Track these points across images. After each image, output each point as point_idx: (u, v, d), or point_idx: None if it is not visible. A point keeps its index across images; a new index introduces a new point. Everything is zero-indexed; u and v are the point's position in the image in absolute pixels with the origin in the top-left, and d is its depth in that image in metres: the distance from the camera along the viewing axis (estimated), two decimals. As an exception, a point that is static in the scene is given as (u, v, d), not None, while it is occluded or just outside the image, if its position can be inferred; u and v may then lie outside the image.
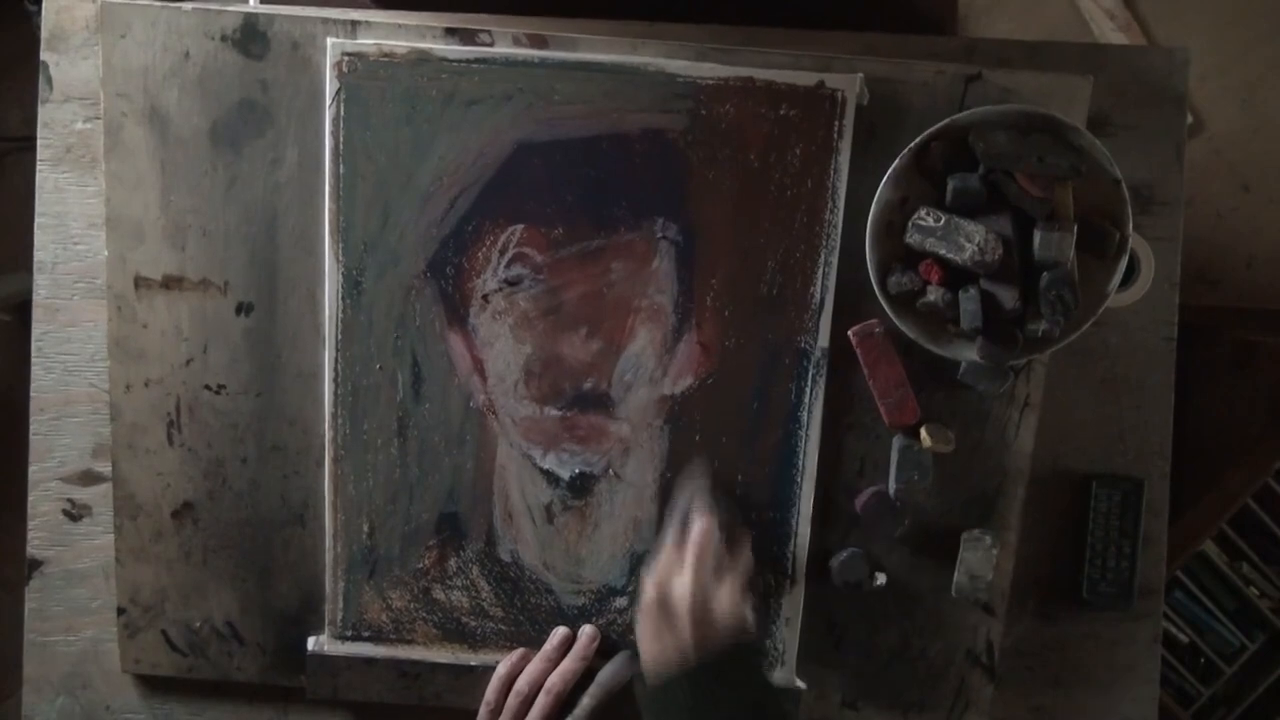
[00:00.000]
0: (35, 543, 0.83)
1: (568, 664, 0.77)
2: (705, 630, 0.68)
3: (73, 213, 0.81)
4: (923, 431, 0.76)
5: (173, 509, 0.80)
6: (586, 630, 0.79)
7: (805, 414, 0.77)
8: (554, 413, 0.78)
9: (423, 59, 0.74)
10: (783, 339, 0.76)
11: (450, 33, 0.76)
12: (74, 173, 0.80)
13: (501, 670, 0.78)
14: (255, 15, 0.76)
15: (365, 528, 0.79)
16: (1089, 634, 0.82)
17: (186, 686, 0.84)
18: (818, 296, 0.76)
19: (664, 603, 0.69)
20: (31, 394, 0.82)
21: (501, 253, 0.76)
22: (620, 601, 0.80)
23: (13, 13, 1.76)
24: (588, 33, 0.76)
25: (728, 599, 0.70)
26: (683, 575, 0.70)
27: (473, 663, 0.80)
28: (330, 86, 0.74)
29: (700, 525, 0.72)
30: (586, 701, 0.76)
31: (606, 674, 0.78)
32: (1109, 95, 0.77)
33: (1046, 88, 0.74)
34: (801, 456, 0.77)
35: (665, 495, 0.79)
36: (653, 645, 0.70)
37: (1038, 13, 1.71)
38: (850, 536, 0.79)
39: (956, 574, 0.78)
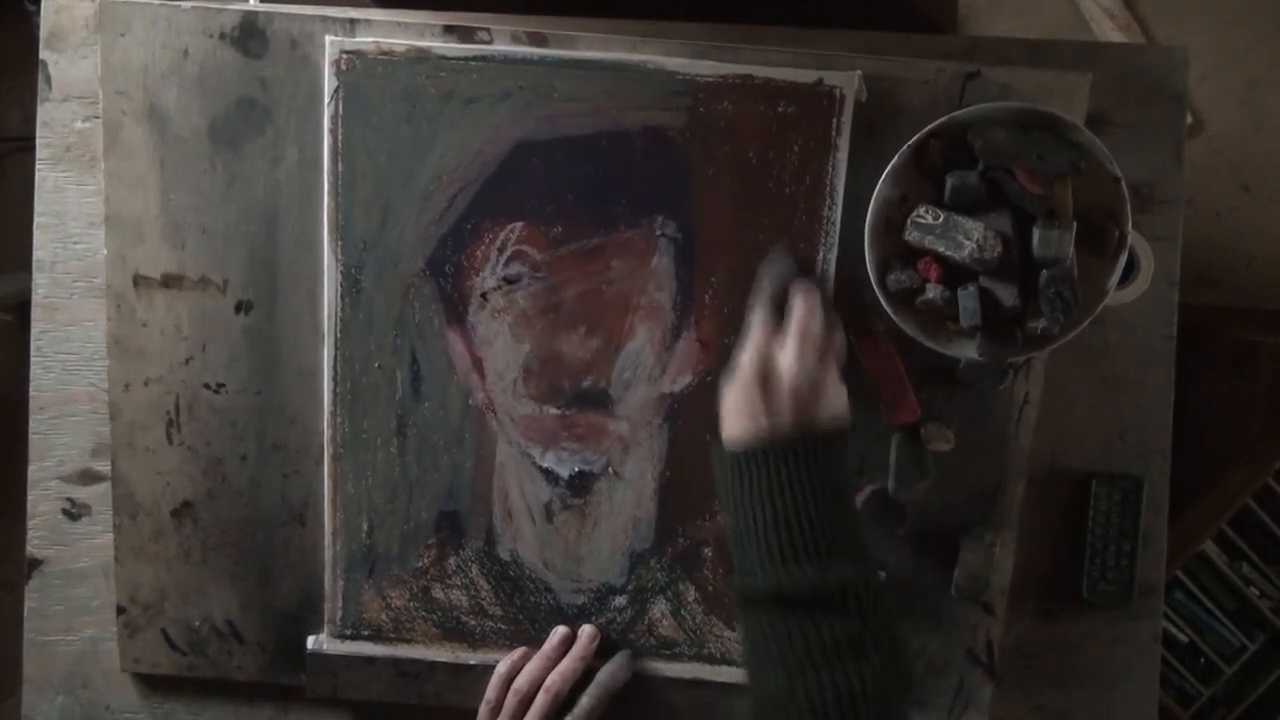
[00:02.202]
0: (35, 542, 0.83)
1: (567, 663, 0.77)
2: (809, 410, 0.65)
3: (72, 212, 0.81)
4: (922, 430, 0.76)
5: (172, 508, 0.80)
6: (586, 630, 0.79)
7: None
8: (553, 411, 0.78)
9: (422, 57, 0.74)
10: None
11: (449, 30, 0.76)
12: (73, 172, 0.81)
13: (502, 668, 0.78)
14: (254, 13, 0.76)
15: (365, 526, 0.79)
16: (1089, 633, 0.82)
17: (186, 686, 0.84)
18: (817, 295, 0.76)
19: (765, 376, 0.65)
20: (31, 393, 0.82)
21: (500, 251, 0.76)
22: (620, 600, 0.80)
23: (12, 12, 1.76)
24: (586, 30, 0.76)
25: (833, 385, 0.67)
26: (786, 352, 0.66)
27: (472, 662, 0.80)
28: (329, 85, 0.74)
29: (805, 303, 0.68)
30: (585, 701, 0.76)
31: (606, 674, 0.78)
32: (1109, 94, 0.77)
33: (1046, 85, 0.74)
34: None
35: (664, 494, 0.79)
36: (742, 416, 0.65)
37: (1037, 12, 1.71)
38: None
39: (956, 574, 0.77)
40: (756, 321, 0.69)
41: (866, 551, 0.64)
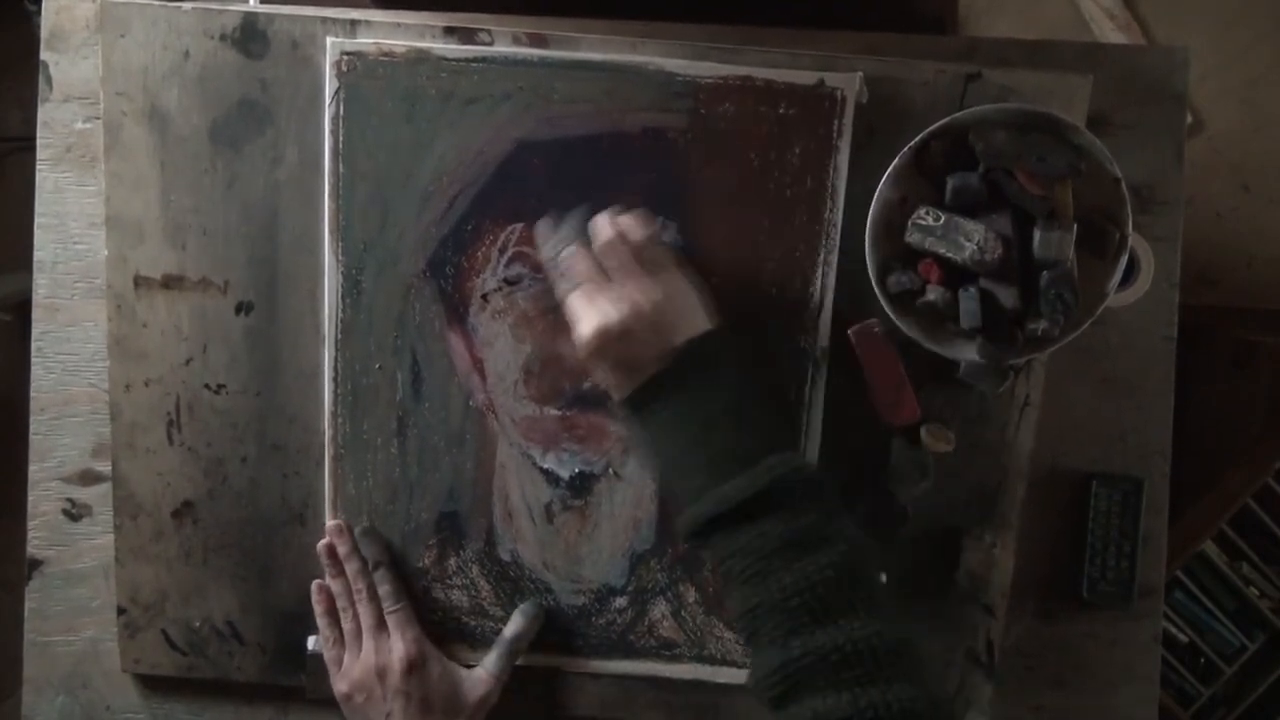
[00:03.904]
0: (35, 543, 0.83)
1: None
2: (663, 335, 0.63)
3: (72, 212, 0.81)
4: (923, 431, 0.76)
5: (173, 508, 0.80)
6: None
7: (805, 413, 0.77)
8: (553, 412, 0.78)
9: (422, 58, 0.74)
10: (782, 338, 0.76)
11: (450, 32, 0.76)
12: (74, 172, 0.81)
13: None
14: (255, 14, 0.76)
15: (365, 527, 0.79)
16: (1089, 634, 0.82)
17: (186, 686, 0.84)
18: (817, 296, 0.76)
19: (607, 334, 0.63)
20: (31, 394, 0.82)
21: (501, 252, 0.76)
22: (620, 601, 0.80)
23: (13, 13, 1.76)
24: (587, 32, 0.76)
25: (675, 297, 0.64)
26: (607, 294, 0.64)
27: (472, 663, 0.80)
28: (330, 85, 0.74)
29: (608, 231, 0.66)
30: (491, 660, 0.78)
31: (509, 631, 0.79)
32: (1109, 95, 0.77)
33: (1046, 87, 0.74)
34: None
35: (664, 495, 0.79)
36: (609, 375, 0.64)
37: (1037, 12, 1.71)
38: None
39: (957, 574, 0.77)
40: (574, 294, 0.66)
41: (790, 436, 0.62)
